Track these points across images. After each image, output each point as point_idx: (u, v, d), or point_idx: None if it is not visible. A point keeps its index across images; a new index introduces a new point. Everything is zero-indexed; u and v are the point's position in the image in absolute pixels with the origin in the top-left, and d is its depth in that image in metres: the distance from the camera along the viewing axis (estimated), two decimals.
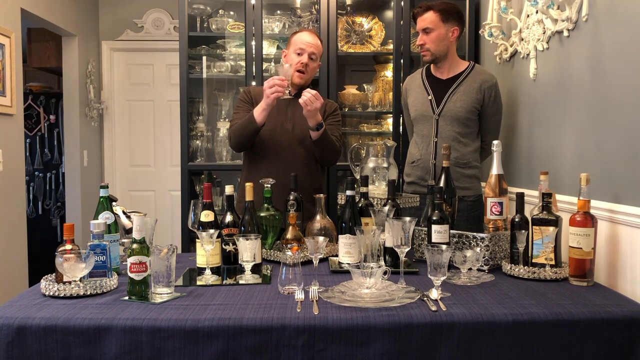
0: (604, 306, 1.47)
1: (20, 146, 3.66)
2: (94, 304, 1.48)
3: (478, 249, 1.82)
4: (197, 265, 1.85)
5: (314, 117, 2.32)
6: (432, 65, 2.62)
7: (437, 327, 1.38)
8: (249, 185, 1.95)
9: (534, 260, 1.80)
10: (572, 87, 2.09)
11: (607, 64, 1.85)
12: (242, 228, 1.90)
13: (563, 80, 2.16)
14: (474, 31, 3.31)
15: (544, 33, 2.30)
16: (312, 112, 2.28)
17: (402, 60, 3.36)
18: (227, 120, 3.53)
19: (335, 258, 1.96)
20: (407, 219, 1.66)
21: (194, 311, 1.42)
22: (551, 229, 1.74)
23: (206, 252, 1.76)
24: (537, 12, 2.31)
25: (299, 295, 1.54)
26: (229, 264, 1.88)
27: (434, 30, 2.49)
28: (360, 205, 1.96)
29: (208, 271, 1.77)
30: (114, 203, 1.92)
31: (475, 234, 1.89)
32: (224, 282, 1.73)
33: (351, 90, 3.56)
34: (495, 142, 1.99)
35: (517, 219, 1.82)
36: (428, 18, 2.49)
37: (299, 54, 2.45)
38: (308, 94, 2.26)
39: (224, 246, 1.87)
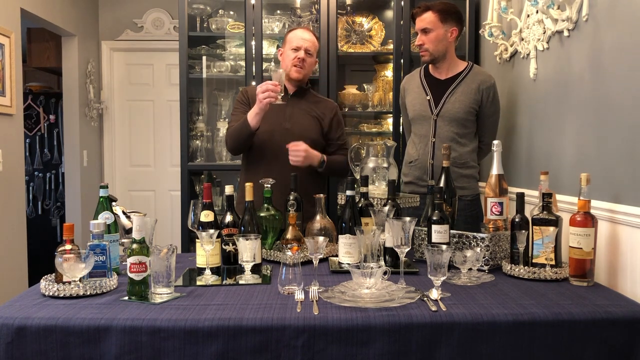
0: (604, 306, 1.47)
1: (20, 146, 3.66)
2: (93, 304, 1.48)
3: (478, 249, 1.82)
4: (197, 266, 1.85)
5: (310, 163, 2.38)
6: (430, 65, 2.62)
7: (437, 327, 1.38)
8: (249, 185, 1.95)
9: (534, 261, 1.80)
10: (572, 87, 2.09)
11: (607, 64, 1.85)
12: (242, 228, 1.90)
13: (563, 80, 2.16)
14: (474, 31, 3.31)
15: (544, 33, 2.30)
16: (303, 162, 2.35)
17: (402, 60, 3.36)
18: (226, 120, 3.53)
19: (335, 258, 1.96)
20: (407, 219, 1.66)
21: (193, 311, 1.42)
22: (551, 229, 1.74)
23: (206, 252, 1.76)
24: (537, 12, 2.31)
25: (299, 296, 1.54)
26: (229, 264, 1.88)
27: (433, 31, 2.49)
28: (360, 205, 1.96)
29: (208, 271, 1.77)
30: (113, 203, 1.92)
31: (475, 234, 1.89)
32: (224, 282, 1.73)
33: (351, 90, 3.56)
34: (495, 142, 1.99)
35: (517, 219, 1.82)
36: (427, 18, 2.49)
37: (295, 50, 2.46)
38: (294, 155, 2.32)
39: (223, 246, 1.87)
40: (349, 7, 3.65)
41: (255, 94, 2.48)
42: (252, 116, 2.33)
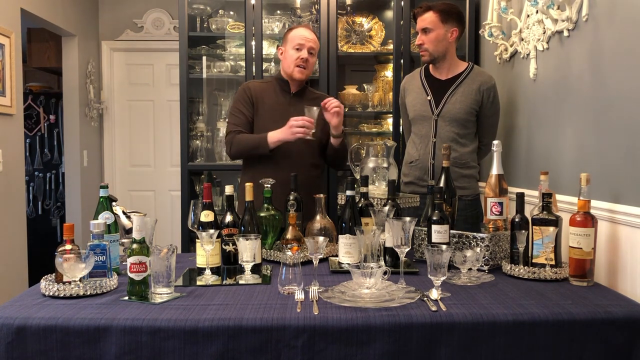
0: (604, 306, 1.47)
1: (20, 146, 3.66)
2: (93, 304, 1.48)
3: (478, 249, 1.82)
4: (197, 266, 1.85)
5: (340, 125, 2.42)
6: (430, 66, 2.62)
7: (437, 327, 1.38)
8: (249, 185, 1.95)
9: (534, 261, 1.80)
10: (572, 87, 2.09)
11: (607, 63, 1.85)
12: (242, 228, 1.90)
13: (563, 80, 2.16)
14: (474, 31, 3.31)
15: (544, 33, 2.30)
16: (340, 120, 2.39)
17: (402, 60, 3.36)
18: (226, 120, 3.52)
19: (335, 258, 1.96)
20: (407, 219, 1.66)
21: (194, 311, 1.42)
22: (551, 229, 1.74)
23: (206, 252, 1.76)
24: (537, 12, 2.31)
25: (299, 295, 1.54)
26: (229, 264, 1.88)
27: (433, 31, 2.49)
28: (360, 205, 1.96)
29: (208, 271, 1.77)
30: (113, 203, 1.92)
31: (475, 234, 1.89)
32: (224, 282, 1.73)
33: (351, 90, 3.56)
34: (495, 142, 1.99)
35: (517, 219, 1.82)
36: (427, 18, 2.49)
37: (297, 49, 2.45)
38: (336, 104, 2.36)
39: (224, 246, 1.87)
40: (349, 7, 3.65)
41: (259, 90, 2.48)
42: (274, 141, 2.35)
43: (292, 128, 2.29)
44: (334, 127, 2.42)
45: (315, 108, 2.34)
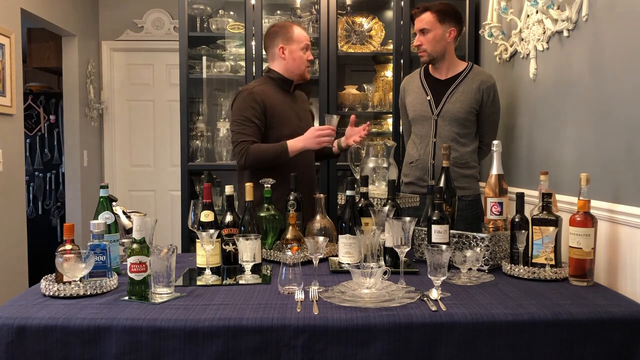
0: (604, 306, 1.47)
1: (20, 146, 3.66)
2: (94, 304, 1.48)
3: (478, 249, 1.82)
4: (197, 265, 1.85)
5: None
6: (430, 66, 2.62)
7: (437, 327, 1.38)
8: (249, 185, 1.95)
9: (534, 260, 1.80)
10: (572, 87, 2.09)
11: (607, 64, 1.85)
12: (242, 228, 1.90)
13: (563, 81, 2.16)
14: (474, 31, 3.31)
15: (544, 33, 2.30)
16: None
17: (402, 60, 3.36)
18: (227, 120, 3.52)
19: (335, 258, 1.96)
20: (407, 219, 1.66)
21: (194, 311, 1.42)
22: (551, 229, 1.74)
23: (206, 252, 1.76)
24: (537, 12, 2.31)
25: (299, 295, 1.54)
26: (229, 264, 1.88)
27: (431, 31, 2.49)
28: (360, 205, 1.96)
29: (208, 271, 1.77)
30: (113, 203, 1.92)
31: (475, 234, 1.89)
32: (224, 282, 1.73)
33: (351, 90, 3.56)
34: (495, 142, 1.99)
35: (517, 219, 1.82)
36: (425, 19, 2.50)
37: (304, 50, 2.48)
38: (327, 138, 2.35)
39: (224, 246, 1.87)
40: (349, 7, 3.65)
41: (267, 95, 2.39)
42: (296, 149, 2.33)
43: (319, 138, 2.31)
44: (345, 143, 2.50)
45: (335, 116, 2.38)
